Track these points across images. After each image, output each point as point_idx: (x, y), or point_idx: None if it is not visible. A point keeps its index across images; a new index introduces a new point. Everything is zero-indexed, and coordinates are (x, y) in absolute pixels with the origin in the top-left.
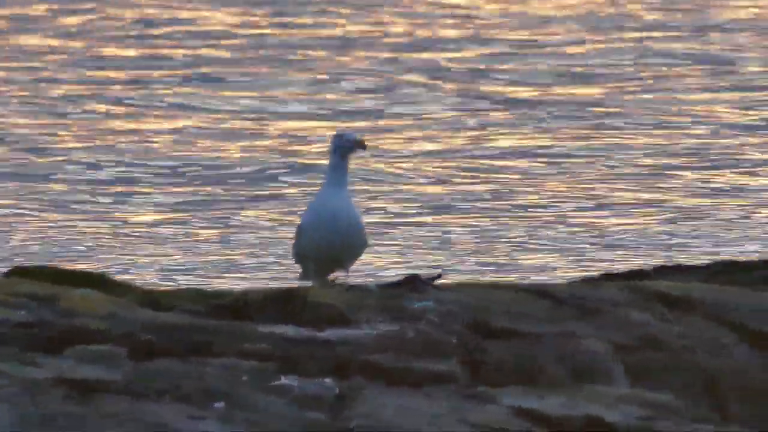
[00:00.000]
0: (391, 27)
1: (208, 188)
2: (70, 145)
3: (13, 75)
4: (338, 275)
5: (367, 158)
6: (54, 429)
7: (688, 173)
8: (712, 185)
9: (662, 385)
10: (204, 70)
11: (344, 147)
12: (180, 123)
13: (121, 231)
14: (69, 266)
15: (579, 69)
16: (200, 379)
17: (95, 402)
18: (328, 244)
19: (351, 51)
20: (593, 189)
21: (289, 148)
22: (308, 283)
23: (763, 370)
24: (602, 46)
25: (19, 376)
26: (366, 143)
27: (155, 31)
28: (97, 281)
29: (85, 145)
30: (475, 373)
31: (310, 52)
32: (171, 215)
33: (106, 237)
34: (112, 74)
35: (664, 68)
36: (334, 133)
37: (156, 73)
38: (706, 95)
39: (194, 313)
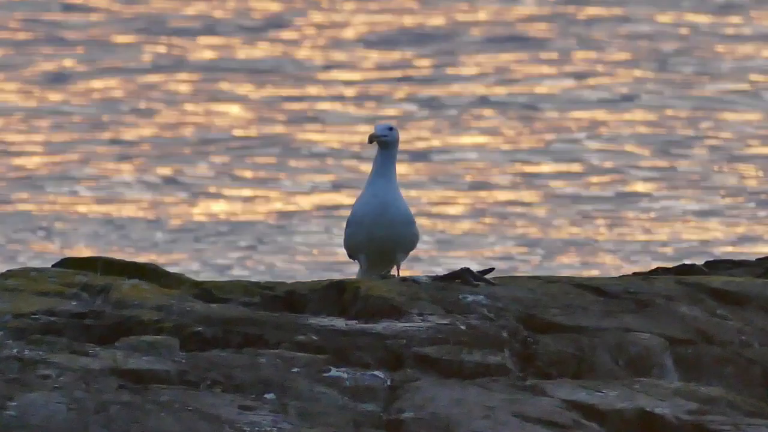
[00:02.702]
0: None
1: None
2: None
3: None
4: (390, 270)
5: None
6: (108, 418)
7: None
8: None
9: (715, 378)
10: None
11: (392, 140)
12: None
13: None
14: (119, 257)
15: None
16: (252, 370)
17: (148, 392)
18: (378, 237)
19: None
20: None
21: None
22: (360, 278)
23: None
24: None
25: (73, 366)
26: (373, 137)
27: None
28: (149, 272)
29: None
30: (528, 366)
31: None
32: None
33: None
34: None
35: None
36: (380, 124)
37: None
38: None
39: (247, 304)
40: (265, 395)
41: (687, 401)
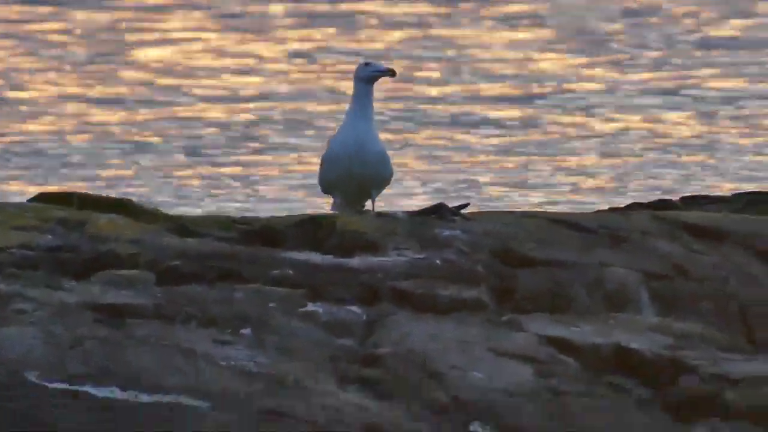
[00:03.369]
0: None
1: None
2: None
3: None
4: (365, 205)
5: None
6: (84, 352)
7: None
8: None
9: (691, 314)
10: None
11: (371, 76)
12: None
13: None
14: (95, 192)
15: None
16: (228, 305)
17: (124, 326)
18: (353, 174)
19: None
20: None
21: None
22: (336, 212)
23: None
24: None
25: (49, 301)
26: (395, 70)
27: None
28: (125, 207)
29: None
30: (504, 301)
31: None
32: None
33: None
34: None
35: None
36: (360, 62)
37: None
38: None
39: (223, 239)
40: (242, 330)
41: (663, 336)
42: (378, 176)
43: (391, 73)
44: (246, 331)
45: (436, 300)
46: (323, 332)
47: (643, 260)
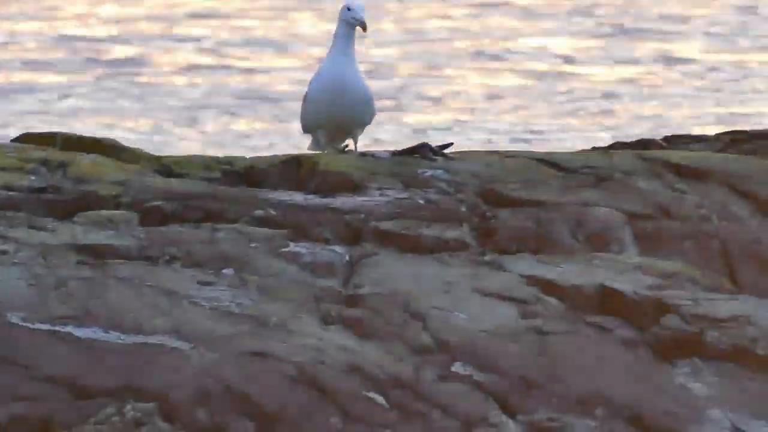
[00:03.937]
0: None
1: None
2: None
3: None
4: (347, 143)
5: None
6: (67, 293)
7: None
8: None
9: (674, 254)
10: None
11: (349, 21)
12: None
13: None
14: (78, 132)
15: None
16: (211, 245)
17: (107, 267)
18: (336, 113)
19: None
20: None
21: None
22: (318, 152)
23: None
24: None
25: (32, 242)
26: (366, 25)
27: None
28: (108, 148)
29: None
30: (487, 241)
31: None
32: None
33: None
34: None
35: None
36: (347, 2)
37: None
38: None
39: (206, 179)
40: (224, 270)
41: (646, 276)
42: (360, 116)
43: (362, 26)
44: (228, 271)
45: (419, 240)
46: (306, 273)
47: (626, 200)
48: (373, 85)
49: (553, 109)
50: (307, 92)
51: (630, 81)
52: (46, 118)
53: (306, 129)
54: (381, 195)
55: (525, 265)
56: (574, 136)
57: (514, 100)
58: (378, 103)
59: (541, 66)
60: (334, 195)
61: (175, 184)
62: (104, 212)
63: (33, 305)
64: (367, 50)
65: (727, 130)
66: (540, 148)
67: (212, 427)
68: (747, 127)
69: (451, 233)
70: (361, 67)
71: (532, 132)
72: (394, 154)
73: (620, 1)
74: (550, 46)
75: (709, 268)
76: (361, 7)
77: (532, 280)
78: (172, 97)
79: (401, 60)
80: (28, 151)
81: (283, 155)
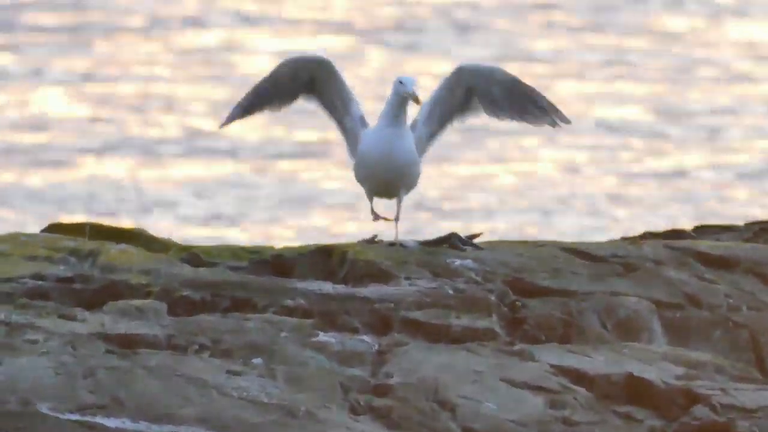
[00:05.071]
0: None
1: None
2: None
3: None
4: (375, 235)
5: None
6: (95, 382)
7: None
8: None
9: (703, 343)
10: None
11: (402, 95)
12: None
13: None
14: (106, 222)
15: None
16: (240, 334)
17: (136, 356)
18: (379, 178)
19: None
20: None
21: None
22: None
23: None
24: None
25: (61, 331)
26: (419, 99)
27: None
28: (137, 237)
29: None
30: (516, 330)
31: None
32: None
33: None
34: None
35: None
36: (399, 77)
37: None
38: None
39: (234, 269)
40: (253, 360)
41: (675, 366)
42: (401, 183)
43: (415, 100)
44: (257, 360)
45: (448, 330)
46: (335, 362)
47: (655, 289)
48: None
49: None
50: (360, 148)
51: None
52: None
53: (357, 180)
54: (410, 284)
55: (554, 354)
56: None
57: None
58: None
59: None
60: (363, 284)
61: (203, 273)
62: (133, 302)
63: (62, 395)
64: None
65: (755, 220)
66: None
67: None
68: None
69: (480, 323)
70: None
71: None
72: (423, 243)
73: None
74: None
75: (738, 358)
76: (412, 81)
77: (561, 370)
78: None
79: None
80: (58, 240)
81: (312, 245)
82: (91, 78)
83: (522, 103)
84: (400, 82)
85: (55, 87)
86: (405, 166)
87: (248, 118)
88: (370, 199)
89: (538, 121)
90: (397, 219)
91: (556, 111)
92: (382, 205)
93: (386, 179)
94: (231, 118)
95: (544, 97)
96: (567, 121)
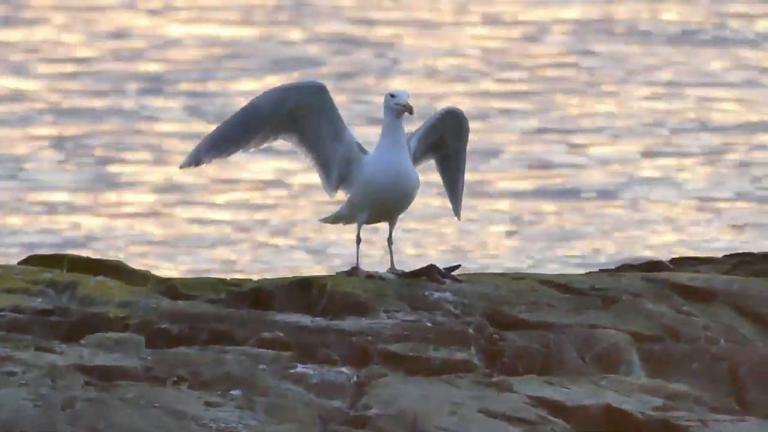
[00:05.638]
0: None
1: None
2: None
3: None
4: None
5: None
6: (74, 414)
7: None
8: None
9: (681, 375)
10: None
11: (395, 108)
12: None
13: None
14: (85, 254)
15: None
16: (218, 366)
17: (114, 388)
18: (387, 201)
19: None
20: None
21: None
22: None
23: None
24: None
25: (39, 363)
26: (413, 108)
27: None
28: (115, 269)
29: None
30: (494, 362)
31: None
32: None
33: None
34: None
35: None
36: (389, 91)
37: None
38: None
39: (213, 301)
40: (232, 392)
41: (653, 397)
42: (407, 204)
43: (409, 110)
44: (236, 392)
45: (427, 362)
46: (313, 394)
47: (633, 322)
48: None
49: None
50: (362, 176)
51: None
52: None
53: (351, 210)
54: (389, 317)
55: (532, 386)
56: None
57: None
58: None
59: None
60: (341, 317)
61: (181, 305)
62: (111, 334)
63: (41, 426)
64: None
65: (733, 252)
66: None
67: None
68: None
69: (459, 355)
70: None
71: None
72: (402, 276)
73: None
74: None
75: (717, 390)
76: (405, 93)
77: (539, 402)
78: None
79: None
80: (36, 273)
81: (291, 277)
82: None
83: (449, 176)
84: (392, 96)
85: None
86: (413, 189)
87: (216, 159)
88: (361, 224)
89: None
90: (390, 242)
91: (459, 204)
92: (367, 230)
93: (394, 204)
94: (195, 160)
95: (462, 188)
96: (457, 216)
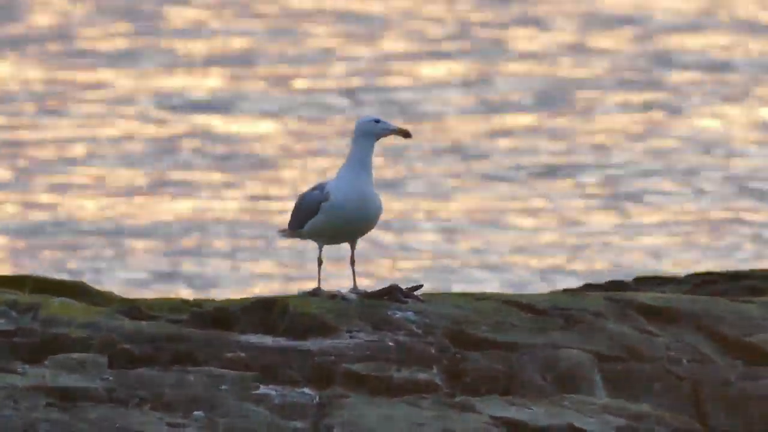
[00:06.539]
0: None
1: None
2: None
3: None
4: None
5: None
6: None
7: None
8: None
9: (644, 395)
10: None
11: (380, 134)
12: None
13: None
14: (48, 275)
15: None
16: (181, 387)
17: (76, 409)
18: (352, 226)
19: None
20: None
21: None
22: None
23: (744, 380)
24: None
25: (1, 384)
26: (410, 132)
27: None
28: (78, 290)
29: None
30: (457, 382)
31: None
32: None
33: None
34: None
35: None
36: (364, 117)
37: None
38: None
39: (175, 322)
40: (194, 413)
41: (616, 417)
42: (370, 228)
43: (406, 134)
44: (198, 413)
45: (390, 382)
46: (276, 414)
47: (595, 341)
48: None
49: None
50: (326, 202)
51: None
52: None
53: (311, 235)
54: (351, 337)
55: (494, 406)
56: None
57: None
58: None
59: None
60: (304, 337)
61: (144, 326)
62: (74, 355)
63: None
64: None
65: (695, 272)
66: None
67: None
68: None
69: (421, 375)
70: None
71: None
72: (365, 296)
73: None
74: None
75: (679, 410)
76: (386, 122)
77: (501, 422)
78: None
79: None
80: None
81: (253, 298)
82: None
83: None
84: (376, 122)
85: None
86: (377, 213)
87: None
88: (322, 246)
89: None
90: (353, 263)
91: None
92: (326, 251)
93: (358, 228)
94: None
95: None
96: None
